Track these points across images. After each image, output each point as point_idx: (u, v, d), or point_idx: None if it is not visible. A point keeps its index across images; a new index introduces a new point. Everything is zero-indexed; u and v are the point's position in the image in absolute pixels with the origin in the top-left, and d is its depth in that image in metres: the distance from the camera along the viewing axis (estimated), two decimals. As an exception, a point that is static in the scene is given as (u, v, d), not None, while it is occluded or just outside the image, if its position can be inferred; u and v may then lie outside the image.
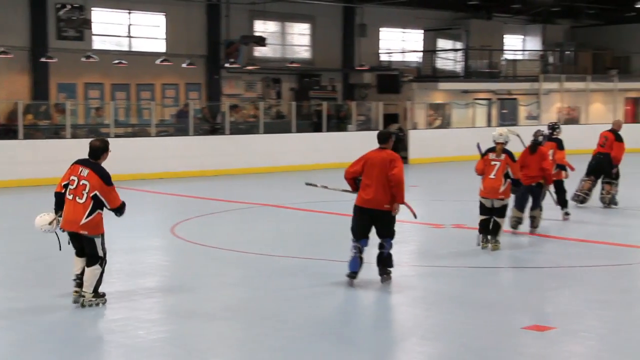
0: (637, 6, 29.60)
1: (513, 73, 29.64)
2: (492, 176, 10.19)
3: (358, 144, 24.28)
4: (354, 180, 8.42)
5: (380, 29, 29.14)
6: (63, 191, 7.43)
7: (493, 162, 10.24)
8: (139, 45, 24.00)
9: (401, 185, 8.12)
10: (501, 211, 10.29)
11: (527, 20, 32.73)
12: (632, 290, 8.19)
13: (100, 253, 7.37)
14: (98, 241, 7.36)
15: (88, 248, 7.37)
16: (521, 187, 10.40)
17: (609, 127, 14.62)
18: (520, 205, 11.43)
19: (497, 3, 30.00)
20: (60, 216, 7.44)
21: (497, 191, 10.17)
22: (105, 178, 7.31)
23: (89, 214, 7.28)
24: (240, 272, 8.96)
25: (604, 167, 14.15)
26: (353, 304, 7.66)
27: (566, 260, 9.65)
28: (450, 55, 29.87)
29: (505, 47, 31.91)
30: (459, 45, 30.53)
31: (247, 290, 8.13)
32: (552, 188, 12.50)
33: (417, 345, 6.34)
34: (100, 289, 7.51)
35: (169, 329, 6.88)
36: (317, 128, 23.82)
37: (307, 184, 9.89)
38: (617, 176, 14.17)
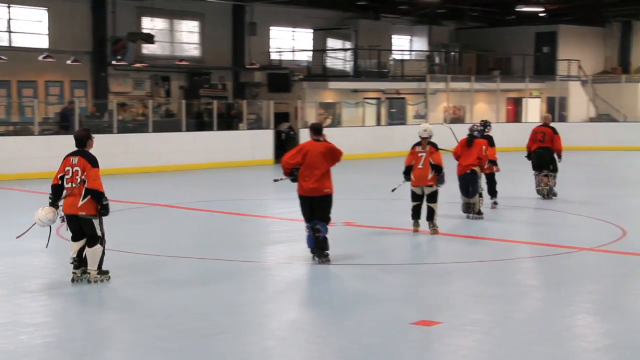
0: (517, 10, 30.78)
1: (401, 73, 30.26)
2: (420, 166, 11.34)
3: (248, 142, 24.44)
4: (292, 170, 9.26)
5: (271, 27, 29.16)
6: (59, 183, 8.35)
7: (420, 154, 11.38)
8: (20, 41, 23.11)
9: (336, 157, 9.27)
10: (432, 197, 11.40)
11: (414, 21, 33.50)
12: (512, 284, 8.50)
13: (99, 233, 8.30)
14: (96, 222, 8.27)
15: (87, 228, 8.29)
16: (442, 174, 11.31)
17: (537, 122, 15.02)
18: (464, 192, 12.83)
19: (385, 4, 30.54)
20: (58, 207, 8.30)
21: (426, 179, 11.31)
22: (90, 160, 8.31)
23: (84, 196, 8.22)
24: (128, 272, 8.77)
25: (546, 160, 15.03)
26: (239, 300, 7.63)
27: (453, 257, 9.92)
28: (339, 54, 30.21)
29: (393, 47, 32.55)
30: (348, 44, 30.92)
31: (135, 292, 7.98)
32: (483, 179, 13.62)
33: (307, 342, 6.37)
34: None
35: (53, 332, 6.67)
36: (207, 127, 23.61)
37: (275, 180, 10.06)
38: (555, 169, 15.12)
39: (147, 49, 25.49)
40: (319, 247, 9.30)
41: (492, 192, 14.04)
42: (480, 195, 12.99)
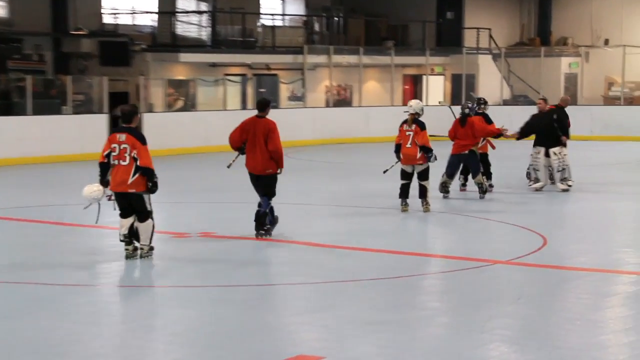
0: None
1: (272, 43, 30.34)
2: (408, 145, 13.62)
3: (75, 131, 23.85)
4: (241, 147, 11.84)
5: (104, -18, 28.63)
6: (105, 161, 10.26)
7: (407, 133, 13.68)
8: None
9: (280, 155, 11.63)
10: (423, 175, 13.81)
11: (288, -23, 33.72)
12: (412, 307, 8.62)
13: (149, 208, 10.32)
14: (146, 197, 10.27)
15: (137, 205, 10.26)
16: (431, 154, 13.55)
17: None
18: (450, 173, 15.34)
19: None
20: (106, 185, 10.29)
21: (415, 158, 13.66)
22: (139, 137, 10.22)
23: (134, 173, 10.12)
24: None
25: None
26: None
27: (341, 274, 9.98)
28: (193, 18, 29.98)
29: (261, 11, 32.59)
30: (204, 6, 30.73)
31: None
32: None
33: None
34: None
35: None
36: (17, 110, 22.87)
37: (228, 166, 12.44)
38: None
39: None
40: (258, 221, 11.64)
41: (487, 174, 16.24)
42: (483, 174, 15.69)
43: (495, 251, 11.34)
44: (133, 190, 10.15)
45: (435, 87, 33.44)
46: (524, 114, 26.01)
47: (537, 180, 16.59)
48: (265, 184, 11.67)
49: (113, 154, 10.19)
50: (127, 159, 10.12)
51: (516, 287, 9.45)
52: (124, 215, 10.35)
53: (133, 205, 10.25)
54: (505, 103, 31.82)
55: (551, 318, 8.27)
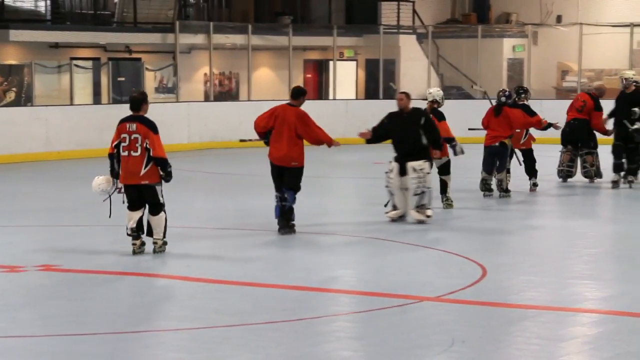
0: None
1: (133, 18, 30.13)
2: None
3: None
4: (265, 134, 14.00)
5: None
6: (115, 152, 12.22)
7: None
8: None
9: (319, 138, 14.08)
10: (444, 169, 16.19)
11: None
12: (315, 359, 8.61)
13: (162, 200, 12.32)
14: (159, 188, 12.27)
15: (150, 197, 12.27)
16: (455, 143, 15.90)
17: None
18: (487, 169, 17.68)
19: None
20: (116, 177, 12.26)
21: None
22: (151, 126, 12.12)
23: (147, 164, 12.08)
24: None
25: (580, 135, 19.57)
26: None
27: (224, 316, 9.93)
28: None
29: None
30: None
31: None
32: (519, 152, 18.69)
33: None
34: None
35: None
36: None
37: (242, 140, 15.30)
38: (596, 145, 19.66)
39: None
40: (284, 217, 13.94)
41: (531, 172, 18.71)
42: (508, 172, 17.93)
43: (422, 285, 11.39)
44: (146, 182, 12.15)
45: (346, 76, 33.62)
46: (458, 109, 26.16)
47: (394, 207, 15.45)
48: (290, 177, 13.84)
49: (123, 144, 12.11)
50: (139, 149, 12.04)
51: (448, 330, 9.51)
52: (132, 208, 12.26)
53: (145, 198, 12.26)
54: (434, 96, 32.01)
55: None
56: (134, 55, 29.81)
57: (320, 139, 14.09)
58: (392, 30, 34.17)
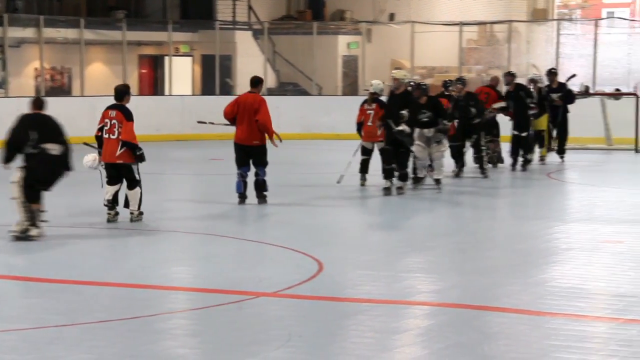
0: None
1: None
2: (369, 123, 18.41)
3: None
4: (233, 119, 16.42)
5: None
6: (100, 134, 14.59)
7: (368, 111, 18.54)
8: None
9: (267, 126, 16.26)
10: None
11: None
12: (151, 357, 8.57)
13: (137, 177, 14.51)
14: (134, 167, 14.52)
15: (126, 174, 14.54)
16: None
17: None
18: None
19: None
20: (101, 154, 14.56)
21: (376, 135, 18.25)
22: (126, 114, 14.41)
23: (122, 147, 14.36)
24: None
25: (486, 124, 21.05)
26: None
27: (55, 316, 9.80)
28: None
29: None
30: None
31: None
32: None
33: None
34: None
35: None
36: None
37: (199, 122, 17.53)
38: (498, 133, 21.95)
39: None
40: (258, 189, 16.39)
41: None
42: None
43: (259, 280, 11.43)
44: (121, 162, 14.44)
45: (182, 71, 33.49)
46: (294, 106, 26.30)
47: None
48: (258, 155, 16.27)
49: (105, 127, 14.48)
50: (116, 133, 14.35)
51: (285, 325, 9.57)
52: (110, 182, 14.64)
53: (122, 175, 14.59)
54: (271, 92, 32.04)
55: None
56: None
57: (268, 126, 16.23)
58: (228, 26, 34.17)
